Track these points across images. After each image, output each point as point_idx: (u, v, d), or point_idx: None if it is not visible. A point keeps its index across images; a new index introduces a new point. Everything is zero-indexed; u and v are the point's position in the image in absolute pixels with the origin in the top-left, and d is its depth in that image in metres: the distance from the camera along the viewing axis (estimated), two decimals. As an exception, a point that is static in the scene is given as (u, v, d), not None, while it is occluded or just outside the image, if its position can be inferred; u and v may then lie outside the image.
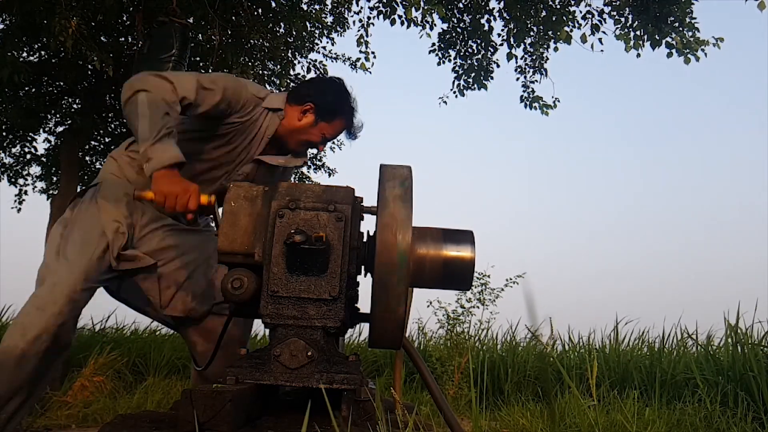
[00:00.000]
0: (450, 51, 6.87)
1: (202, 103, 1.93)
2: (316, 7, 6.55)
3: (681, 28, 5.60)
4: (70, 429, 3.57)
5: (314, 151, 2.33)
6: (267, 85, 6.37)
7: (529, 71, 6.82)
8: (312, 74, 7.48)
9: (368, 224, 1.75)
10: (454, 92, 7.01)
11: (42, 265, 1.99)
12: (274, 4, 6.14)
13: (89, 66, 5.51)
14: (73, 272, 1.90)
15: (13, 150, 7.65)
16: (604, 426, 3.09)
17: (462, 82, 6.92)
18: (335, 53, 7.68)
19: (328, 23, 7.13)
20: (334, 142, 9.25)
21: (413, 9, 5.37)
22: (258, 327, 5.23)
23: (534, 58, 6.73)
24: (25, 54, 6.16)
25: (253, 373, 1.33)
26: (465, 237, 1.49)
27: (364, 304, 1.49)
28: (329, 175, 9.07)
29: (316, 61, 7.45)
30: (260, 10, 6.02)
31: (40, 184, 8.23)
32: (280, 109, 2.12)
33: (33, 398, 1.95)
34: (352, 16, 6.85)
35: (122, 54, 6.01)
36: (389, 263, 1.29)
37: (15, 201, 8.11)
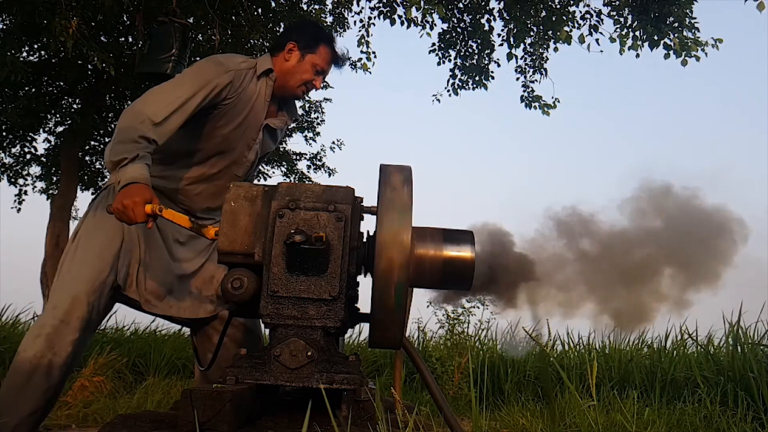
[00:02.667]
0: (450, 51, 6.88)
1: (188, 110, 1.95)
2: (316, 6, 6.56)
3: (680, 29, 5.60)
4: (70, 429, 3.57)
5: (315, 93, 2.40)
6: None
7: (529, 71, 6.82)
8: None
9: (368, 224, 1.75)
10: (448, 90, 7.02)
11: (60, 270, 2.01)
12: (274, 4, 6.15)
13: (89, 66, 5.52)
14: (90, 283, 1.93)
15: (13, 150, 7.66)
16: (604, 426, 3.08)
17: (457, 81, 6.93)
18: (335, 53, 7.68)
19: (328, 23, 7.12)
20: (334, 142, 9.28)
21: (413, 9, 5.37)
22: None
23: (534, 58, 6.73)
24: (25, 54, 6.15)
25: (253, 373, 1.33)
26: (465, 237, 1.49)
27: (364, 304, 1.49)
28: (329, 175, 9.10)
29: (316, 61, 7.45)
30: (260, 10, 6.02)
31: (40, 184, 8.24)
32: (270, 70, 2.17)
33: (50, 407, 1.97)
34: (352, 17, 6.85)
35: (122, 54, 6.01)
36: (389, 263, 1.29)
37: (15, 201, 8.12)
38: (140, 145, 1.84)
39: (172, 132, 1.94)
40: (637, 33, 5.89)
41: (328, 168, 9.16)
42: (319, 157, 9.15)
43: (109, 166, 1.83)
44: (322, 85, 2.28)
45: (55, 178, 7.94)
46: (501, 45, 6.68)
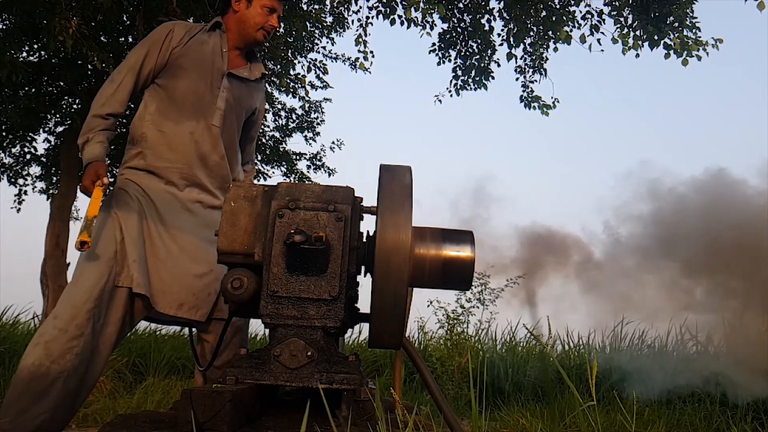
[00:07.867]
0: (450, 51, 6.88)
1: (135, 68, 2.20)
2: (316, 6, 6.55)
3: (681, 28, 5.61)
4: (70, 429, 3.57)
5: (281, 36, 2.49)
6: (267, 85, 6.37)
7: (528, 71, 6.83)
8: (312, 74, 7.48)
9: (368, 224, 1.75)
10: (450, 91, 7.03)
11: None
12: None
13: (89, 66, 5.51)
14: (89, 291, 1.92)
15: (13, 150, 7.65)
16: (604, 426, 3.08)
17: (459, 82, 6.93)
18: (335, 53, 7.69)
19: (328, 23, 7.12)
20: (334, 142, 9.27)
21: (413, 9, 5.37)
22: (258, 327, 5.20)
23: (534, 58, 6.73)
24: (25, 54, 6.15)
25: (253, 373, 1.33)
26: (465, 237, 1.48)
27: (364, 304, 1.49)
28: (329, 175, 9.08)
29: (315, 60, 7.46)
30: (260, 10, 6.00)
31: (40, 184, 8.23)
32: (219, 23, 2.30)
33: (57, 421, 1.91)
34: (350, 16, 6.85)
35: (122, 54, 6.00)
36: (389, 263, 1.29)
37: (15, 201, 8.11)
38: (92, 123, 2.16)
39: (128, 93, 2.21)
40: (638, 33, 5.90)
41: (328, 168, 9.15)
42: (319, 157, 9.13)
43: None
44: (280, 24, 2.37)
45: (55, 178, 7.93)
46: (501, 45, 6.68)
